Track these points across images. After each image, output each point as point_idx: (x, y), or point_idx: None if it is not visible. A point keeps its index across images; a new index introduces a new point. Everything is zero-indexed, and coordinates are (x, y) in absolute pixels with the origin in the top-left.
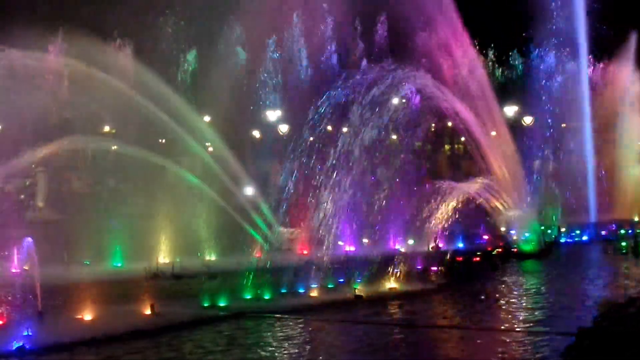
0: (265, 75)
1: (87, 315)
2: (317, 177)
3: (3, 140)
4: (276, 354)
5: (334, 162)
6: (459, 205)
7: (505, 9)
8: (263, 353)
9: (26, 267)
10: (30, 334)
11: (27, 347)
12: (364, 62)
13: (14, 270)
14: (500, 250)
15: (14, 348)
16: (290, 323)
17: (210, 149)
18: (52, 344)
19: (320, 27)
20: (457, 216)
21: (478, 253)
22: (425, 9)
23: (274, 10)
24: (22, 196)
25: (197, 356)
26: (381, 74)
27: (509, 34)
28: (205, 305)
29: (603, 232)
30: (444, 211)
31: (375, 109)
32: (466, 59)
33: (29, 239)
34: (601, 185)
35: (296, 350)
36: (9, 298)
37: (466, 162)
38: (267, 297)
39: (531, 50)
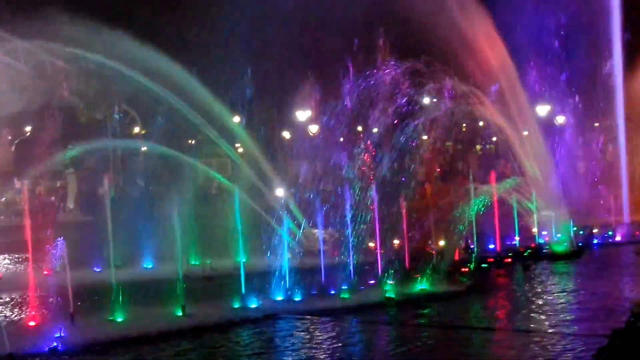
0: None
1: (119, 317)
2: (347, 176)
3: (33, 141)
4: (311, 357)
5: (363, 161)
6: (490, 206)
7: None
8: (298, 356)
9: (58, 269)
10: (62, 335)
11: (60, 348)
12: (391, 60)
13: (45, 272)
14: (531, 251)
15: (46, 349)
16: (322, 325)
17: (240, 149)
18: (84, 345)
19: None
20: (487, 217)
21: (509, 254)
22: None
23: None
24: (53, 198)
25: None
26: (409, 73)
27: (540, 28)
28: (237, 306)
29: (637, 233)
30: (475, 212)
31: (405, 108)
32: (496, 55)
33: (61, 241)
34: (635, 184)
35: (330, 353)
36: (41, 300)
37: (498, 162)
38: (298, 298)
39: (563, 47)
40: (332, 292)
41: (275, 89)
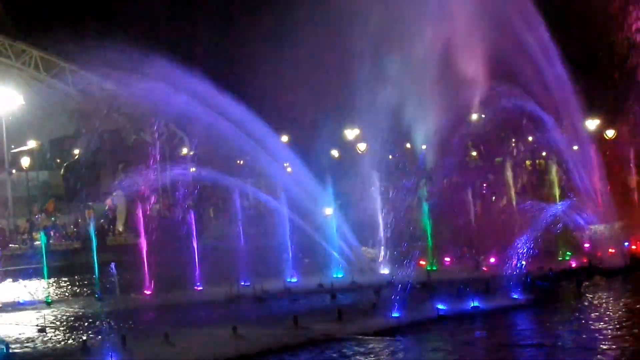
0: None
1: (170, 339)
2: (398, 194)
3: (82, 164)
4: None
5: (412, 179)
6: (544, 225)
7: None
8: None
9: (108, 292)
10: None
11: None
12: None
13: (97, 296)
14: (584, 266)
15: None
16: (380, 346)
17: (289, 169)
18: None
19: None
20: (541, 234)
21: (562, 270)
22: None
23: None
24: (102, 220)
25: None
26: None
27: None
28: (290, 328)
29: None
30: (528, 229)
31: (457, 125)
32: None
33: (112, 265)
34: None
35: None
36: (92, 323)
37: (548, 178)
38: (351, 318)
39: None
40: (385, 311)
41: (327, 108)
